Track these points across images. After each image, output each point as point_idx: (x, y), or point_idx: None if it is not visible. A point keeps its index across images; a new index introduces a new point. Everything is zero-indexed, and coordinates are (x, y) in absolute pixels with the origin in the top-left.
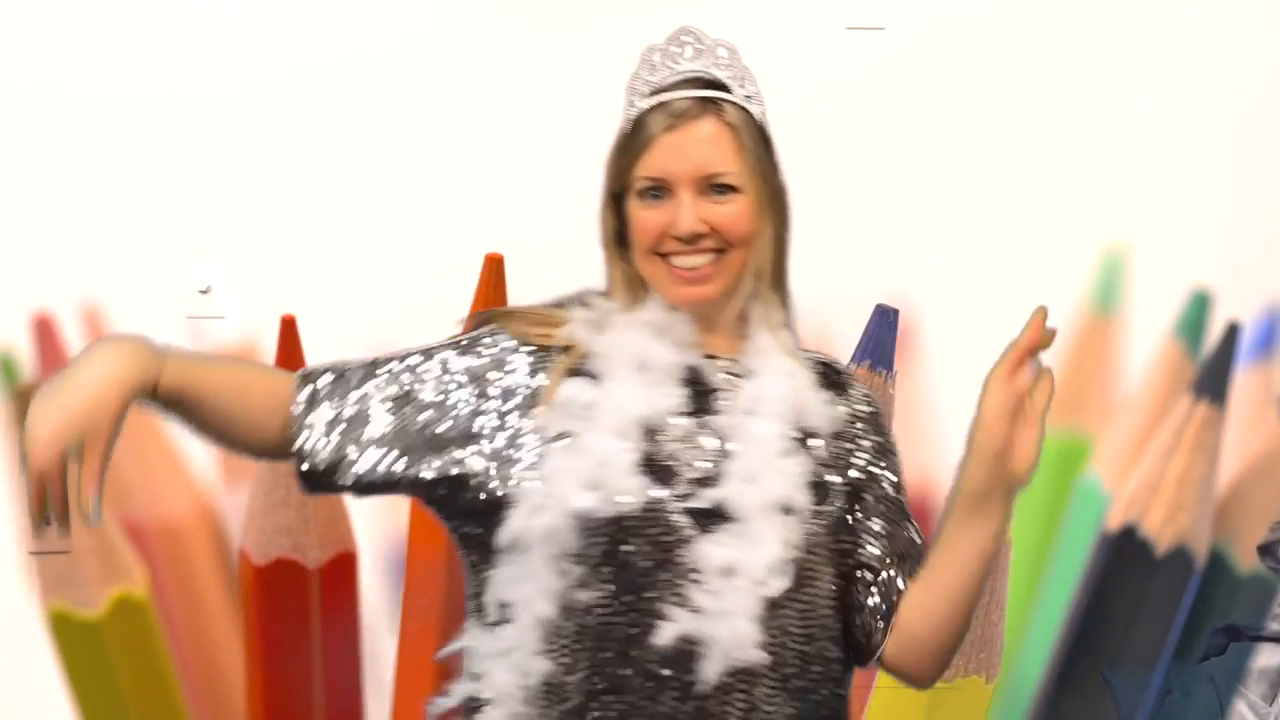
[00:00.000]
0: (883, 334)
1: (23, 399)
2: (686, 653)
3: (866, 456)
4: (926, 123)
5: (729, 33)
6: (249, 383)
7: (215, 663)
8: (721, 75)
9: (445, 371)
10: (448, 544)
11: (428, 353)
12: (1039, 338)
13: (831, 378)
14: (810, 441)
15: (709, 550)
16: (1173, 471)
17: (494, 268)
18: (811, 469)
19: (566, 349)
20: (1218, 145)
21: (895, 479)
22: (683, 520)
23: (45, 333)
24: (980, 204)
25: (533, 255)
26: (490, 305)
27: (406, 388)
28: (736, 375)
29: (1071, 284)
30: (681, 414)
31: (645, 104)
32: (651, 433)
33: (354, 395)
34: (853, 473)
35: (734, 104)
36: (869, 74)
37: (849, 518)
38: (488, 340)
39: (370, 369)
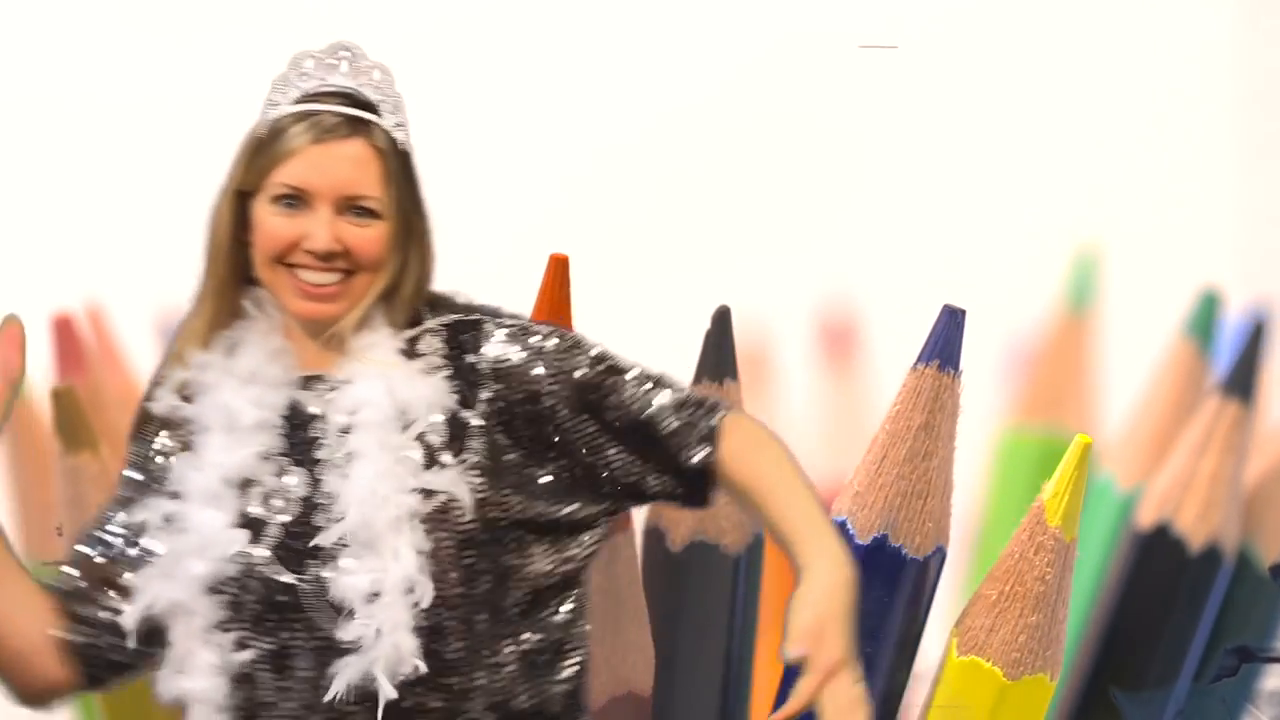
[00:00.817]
0: (950, 334)
1: (59, 400)
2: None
3: (540, 383)
4: (938, 137)
5: (747, 47)
6: None
7: None
8: (373, 97)
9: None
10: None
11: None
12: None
13: (462, 335)
14: (426, 431)
15: (347, 582)
16: (1204, 470)
17: (559, 269)
18: (422, 457)
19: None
20: (1214, 145)
21: (587, 356)
22: (292, 568)
23: (65, 333)
24: (991, 211)
25: (594, 255)
26: (555, 307)
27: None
28: (339, 387)
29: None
30: (278, 456)
31: (291, 109)
32: (245, 485)
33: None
34: (544, 402)
35: (383, 129)
36: (882, 90)
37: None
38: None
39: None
